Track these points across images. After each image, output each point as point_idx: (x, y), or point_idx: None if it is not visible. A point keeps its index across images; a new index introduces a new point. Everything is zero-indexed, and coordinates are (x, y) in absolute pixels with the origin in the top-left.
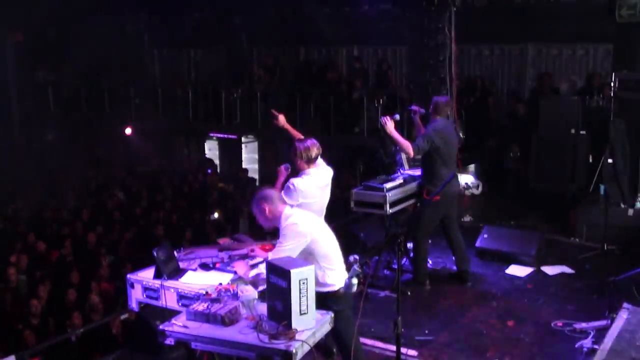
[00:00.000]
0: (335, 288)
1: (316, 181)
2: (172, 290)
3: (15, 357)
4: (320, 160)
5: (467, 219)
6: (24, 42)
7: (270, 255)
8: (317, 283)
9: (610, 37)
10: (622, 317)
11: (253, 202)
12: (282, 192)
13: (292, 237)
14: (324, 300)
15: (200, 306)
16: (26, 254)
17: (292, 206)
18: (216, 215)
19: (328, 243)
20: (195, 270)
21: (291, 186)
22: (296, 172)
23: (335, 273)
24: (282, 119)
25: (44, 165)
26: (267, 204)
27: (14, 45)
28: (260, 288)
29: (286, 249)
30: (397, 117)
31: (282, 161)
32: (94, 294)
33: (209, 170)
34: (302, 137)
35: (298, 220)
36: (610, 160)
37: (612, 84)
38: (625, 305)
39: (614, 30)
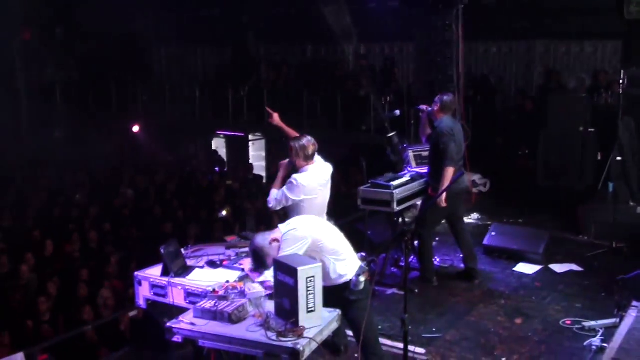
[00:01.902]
0: (350, 277)
1: (316, 177)
2: (180, 287)
3: (25, 354)
4: (318, 157)
5: (474, 216)
6: (31, 40)
7: None
8: (330, 277)
9: (619, 34)
10: (632, 315)
11: (257, 256)
12: (285, 187)
13: (292, 242)
14: (341, 292)
15: (208, 303)
16: (34, 251)
17: (288, 199)
18: (225, 212)
19: (333, 238)
20: (202, 267)
21: (294, 182)
22: (295, 171)
23: (347, 263)
24: (276, 117)
25: (51, 162)
26: (267, 245)
27: (22, 44)
28: (268, 293)
29: (287, 255)
30: (398, 112)
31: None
32: (105, 288)
33: (217, 168)
34: (297, 135)
35: (295, 225)
36: (618, 158)
37: (620, 81)
38: (634, 303)
39: (622, 27)
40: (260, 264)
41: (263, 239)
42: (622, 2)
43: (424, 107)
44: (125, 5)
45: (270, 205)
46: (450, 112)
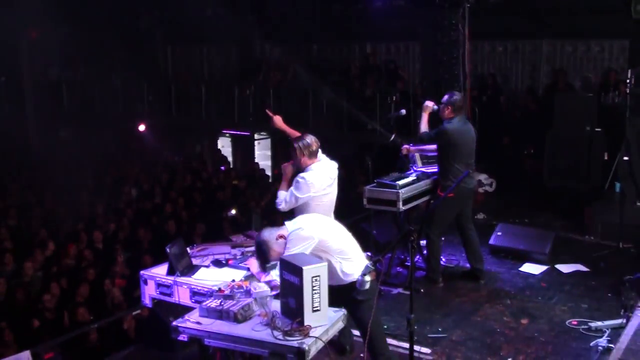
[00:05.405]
0: (356, 277)
1: (322, 175)
2: (185, 286)
3: (31, 353)
4: (322, 155)
5: (480, 216)
6: (38, 39)
7: None
8: (337, 277)
9: (626, 33)
10: (638, 316)
11: (261, 250)
12: (292, 187)
13: (297, 241)
14: (349, 291)
15: (214, 303)
16: (40, 250)
17: (298, 199)
18: (234, 211)
19: (339, 238)
20: (208, 266)
21: (300, 180)
22: (300, 170)
23: (354, 263)
24: (277, 120)
25: (57, 162)
26: (273, 240)
27: (28, 43)
28: (274, 293)
29: (292, 254)
30: (403, 112)
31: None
32: (114, 288)
33: (222, 168)
34: (299, 134)
35: (302, 225)
36: (626, 158)
37: (627, 81)
38: None
39: (629, 26)
40: (263, 258)
41: (269, 233)
42: (629, 1)
43: (430, 103)
44: (132, 4)
45: (280, 207)
46: (460, 112)
